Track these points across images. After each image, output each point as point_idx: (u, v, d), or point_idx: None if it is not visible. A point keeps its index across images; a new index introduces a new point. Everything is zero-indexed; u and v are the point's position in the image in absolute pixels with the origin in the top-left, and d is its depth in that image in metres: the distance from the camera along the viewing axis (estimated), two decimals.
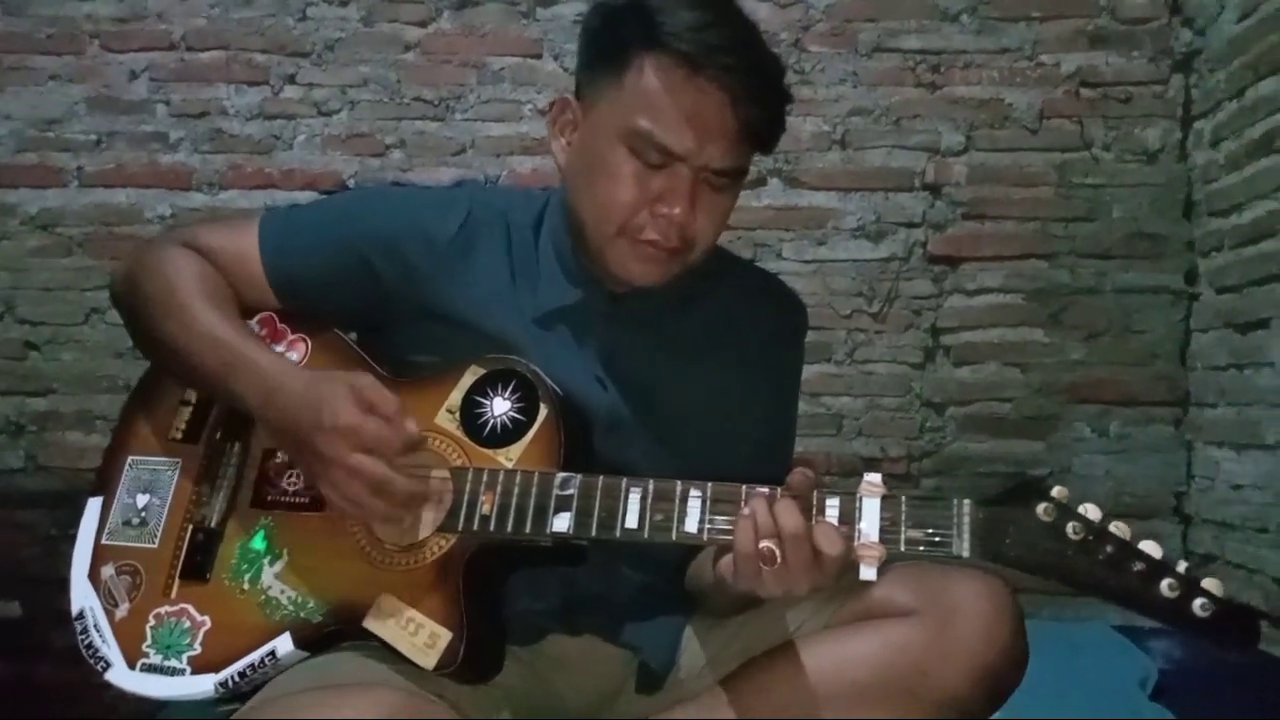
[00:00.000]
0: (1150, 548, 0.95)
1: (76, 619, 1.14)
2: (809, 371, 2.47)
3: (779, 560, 0.97)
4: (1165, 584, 0.93)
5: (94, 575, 1.16)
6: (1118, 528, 0.95)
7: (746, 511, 0.99)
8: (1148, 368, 2.54)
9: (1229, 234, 2.36)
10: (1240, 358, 2.30)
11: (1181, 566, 0.94)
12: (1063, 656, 1.93)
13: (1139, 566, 0.94)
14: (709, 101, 1.07)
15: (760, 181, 2.58)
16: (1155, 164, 2.56)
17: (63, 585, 1.17)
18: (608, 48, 1.12)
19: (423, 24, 2.62)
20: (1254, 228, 2.25)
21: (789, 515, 0.98)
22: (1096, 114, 2.56)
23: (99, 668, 1.12)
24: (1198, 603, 0.93)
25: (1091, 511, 0.96)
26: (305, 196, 2.51)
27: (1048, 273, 2.57)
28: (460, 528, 1.07)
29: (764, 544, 0.97)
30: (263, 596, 1.10)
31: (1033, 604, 2.24)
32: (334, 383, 1.06)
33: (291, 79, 2.61)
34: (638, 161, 1.09)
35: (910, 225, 2.59)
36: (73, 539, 1.19)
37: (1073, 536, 0.95)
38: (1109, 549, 0.95)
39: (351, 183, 2.60)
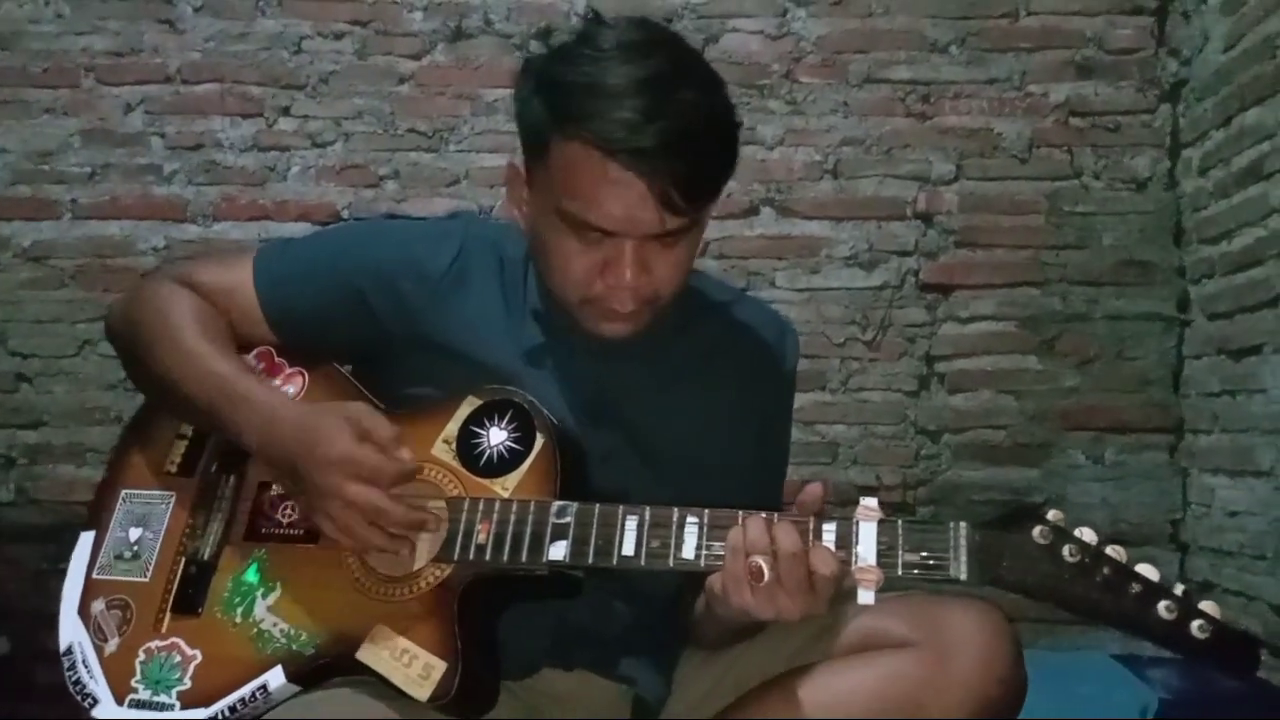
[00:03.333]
0: (1147, 570, 0.94)
1: (64, 654, 1.13)
2: (803, 400, 2.50)
3: (766, 577, 0.97)
4: (1163, 606, 0.92)
5: (84, 610, 1.15)
6: (1114, 551, 0.95)
7: (738, 525, 0.99)
8: (1141, 394, 2.55)
9: (1219, 261, 2.37)
10: (1233, 384, 2.30)
11: (1179, 589, 0.94)
12: (1062, 687, 1.92)
13: (1136, 589, 0.93)
14: (624, 184, 1.02)
15: (753, 211, 2.60)
16: (1144, 192, 2.58)
17: (52, 621, 1.15)
18: (528, 125, 1.09)
19: (416, 57, 2.64)
20: (1244, 255, 2.26)
21: (787, 536, 0.98)
22: (1085, 143, 2.59)
23: (86, 704, 1.10)
24: (1195, 624, 0.92)
25: (1088, 535, 0.96)
26: (299, 228, 2.52)
27: (1039, 300, 2.58)
28: (456, 557, 1.06)
29: (753, 559, 0.97)
30: (255, 630, 1.09)
31: (1030, 634, 2.26)
32: (330, 414, 1.06)
33: (286, 111, 2.63)
34: (577, 237, 1.07)
35: (902, 254, 2.60)
36: (63, 573, 1.18)
37: (1069, 559, 0.95)
38: (1106, 571, 0.94)
39: (346, 214, 2.61)
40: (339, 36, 2.64)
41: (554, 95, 1.05)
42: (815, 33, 2.62)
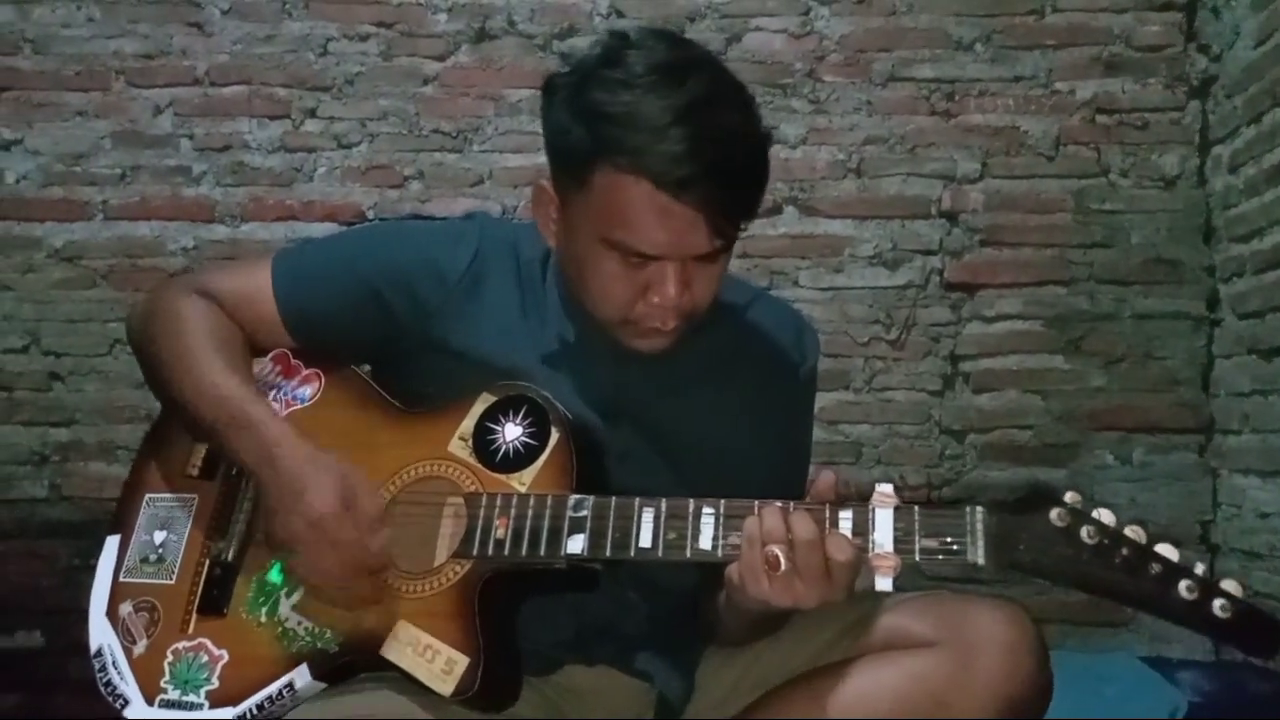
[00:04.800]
0: (1167, 550, 0.93)
1: (95, 657, 1.15)
2: (827, 399, 2.49)
3: (783, 565, 0.97)
4: (1183, 585, 0.91)
5: (112, 613, 1.16)
6: (1133, 531, 0.94)
7: (754, 515, 1.00)
8: (1170, 394, 2.52)
9: (1250, 259, 2.34)
10: (1264, 384, 2.27)
11: (1199, 568, 0.92)
12: (1088, 689, 1.91)
13: (1156, 569, 0.92)
14: (676, 214, 1.03)
15: (776, 210, 2.59)
16: (1173, 190, 2.55)
17: (82, 616, 1.17)
18: (567, 152, 1.08)
19: (440, 58, 2.65)
20: (1275, 253, 2.23)
21: (802, 524, 0.98)
22: (1113, 140, 2.56)
23: (118, 705, 1.12)
24: (1217, 604, 0.91)
25: (1106, 516, 0.95)
26: (325, 228, 2.54)
27: (1066, 299, 2.56)
28: (475, 552, 1.07)
29: (769, 549, 0.98)
30: (280, 629, 1.11)
31: (1057, 635, 2.24)
32: (328, 469, 1.07)
33: (312, 113, 2.65)
34: (619, 262, 1.07)
35: (927, 253, 2.58)
36: (94, 570, 1.20)
37: (1088, 541, 0.94)
38: (1125, 552, 0.93)
39: (371, 214, 2.63)
40: (364, 38, 2.65)
41: (595, 125, 1.05)
42: (839, 31, 2.61)
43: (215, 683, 1.10)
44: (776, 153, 2.55)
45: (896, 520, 0.99)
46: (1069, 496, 0.96)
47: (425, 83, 2.65)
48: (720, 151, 1.03)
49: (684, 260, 1.07)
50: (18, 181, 2.64)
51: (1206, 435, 2.51)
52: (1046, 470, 2.53)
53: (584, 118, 1.06)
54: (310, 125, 2.65)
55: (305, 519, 1.05)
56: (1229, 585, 0.91)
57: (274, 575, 1.13)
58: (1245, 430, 2.35)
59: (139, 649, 1.13)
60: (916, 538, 0.98)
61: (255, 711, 1.08)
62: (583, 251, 1.10)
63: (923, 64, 2.60)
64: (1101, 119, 2.57)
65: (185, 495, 1.20)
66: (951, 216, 2.58)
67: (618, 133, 1.03)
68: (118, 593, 1.17)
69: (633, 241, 1.06)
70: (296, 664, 1.08)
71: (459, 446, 1.13)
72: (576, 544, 1.05)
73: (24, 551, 2.56)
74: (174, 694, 1.10)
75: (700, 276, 1.09)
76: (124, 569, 1.19)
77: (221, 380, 1.14)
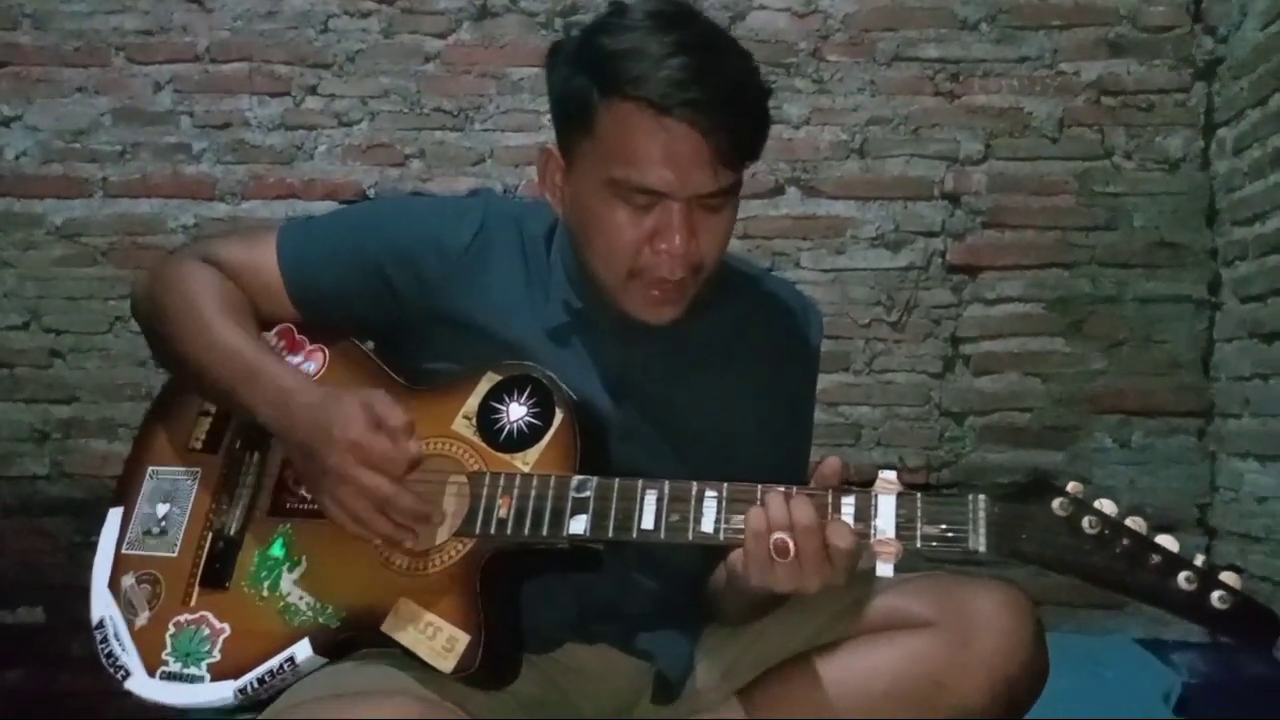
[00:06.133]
0: (1167, 541, 0.94)
1: (96, 628, 1.15)
2: (827, 381, 2.49)
3: (793, 553, 0.97)
4: (1182, 577, 0.92)
5: (114, 585, 1.17)
6: (1134, 522, 0.95)
7: (760, 503, 1.00)
8: (1170, 378, 2.52)
9: (1253, 243, 2.34)
10: (1264, 368, 2.27)
11: (1199, 560, 0.93)
12: (1085, 670, 1.92)
13: (1156, 560, 0.93)
14: (679, 139, 1.04)
15: (778, 191, 2.58)
16: (1177, 172, 2.54)
17: (85, 593, 1.18)
18: (571, 99, 1.09)
19: (442, 35, 2.64)
20: (1277, 237, 2.23)
21: (803, 509, 0.99)
22: (1117, 122, 2.55)
23: (119, 676, 1.13)
24: (1215, 595, 0.92)
25: (1108, 506, 0.96)
26: (326, 206, 2.53)
27: (1068, 282, 2.55)
28: (477, 531, 1.08)
29: (777, 535, 0.98)
30: (282, 603, 1.11)
31: (1055, 617, 2.25)
32: (345, 398, 1.08)
33: (313, 90, 2.64)
34: (626, 206, 1.07)
35: (929, 234, 2.58)
36: (95, 546, 1.20)
37: (1089, 531, 0.95)
38: (1125, 543, 0.94)
39: (371, 193, 2.62)
40: (365, 15, 2.64)
41: (597, 64, 1.06)
42: (843, 10, 2.59)
43: (216, 655, 1.11)
44: (779, 133, 2.57)
45: (899, 506, 1.00)
46: (1071, 486, 0.97)
47: (427, 60, 2.64)
48: (720, 82, 1.05)
49: (689, 202, 1.07)
50: (17, 158, 2.64)
51: (1206, 419, 2.51)
52: (1046, 453, 2.54)
53: (587, 63, 1.08)
54: (311, 103, 2.64)
55: (342, 448, 1.05)
56: (1227, 577, 0.92)
57: (276, 549, 1.14)
58: (1245, 414, 2.36)
59: (141, 621, 1.14)
60: (918, 524, 0.99)
61: (256, 685, 1.09)
62: (589, 205, 1.10)
63: (927, 44, 2.58)
64: (1106, 100, 2.55)
65: (188, 468, 1.21)
66: (954, 198, 2.58)
67: (621, 66, 1.05)
68: (120, 564, 1.18)
69: (636, 175, 1.06)
70: (298, 638, 1.09)
71: (463, 425, 1.13)
72: (579, 525, 1.05)
73: (25, 528, 2.57)
74: (175, 666, 1.11)
75: (706, 227, 1.09)
76: (126, 541, 1.19)
77: (232, 338, 1.15)
